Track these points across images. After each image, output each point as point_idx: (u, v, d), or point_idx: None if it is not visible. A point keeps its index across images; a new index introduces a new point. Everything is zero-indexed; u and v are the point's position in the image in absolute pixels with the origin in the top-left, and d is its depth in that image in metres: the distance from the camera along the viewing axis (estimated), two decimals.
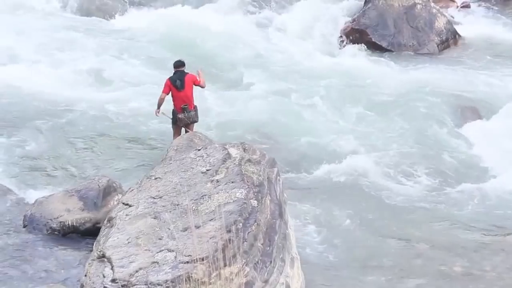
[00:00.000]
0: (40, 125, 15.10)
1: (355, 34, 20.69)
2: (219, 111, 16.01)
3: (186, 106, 13.70)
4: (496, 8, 23.51)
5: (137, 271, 8.02)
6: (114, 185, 11.60)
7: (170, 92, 13.73)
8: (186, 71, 13.79)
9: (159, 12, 22.06)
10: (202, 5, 22.39)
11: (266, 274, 8.41)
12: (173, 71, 13.82)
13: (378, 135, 15.60)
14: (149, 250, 8.33)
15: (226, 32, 20.40)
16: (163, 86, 13.77)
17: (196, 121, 13.94)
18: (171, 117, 13.93)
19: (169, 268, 7.94)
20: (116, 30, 20.61)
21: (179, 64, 13.83)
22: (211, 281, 7.81)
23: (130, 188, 9.99)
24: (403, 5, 21.06)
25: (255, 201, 8.84)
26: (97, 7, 22.29)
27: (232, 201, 8.82)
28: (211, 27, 20.55)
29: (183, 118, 13.78)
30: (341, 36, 20.92)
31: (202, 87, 14.02)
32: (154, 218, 8.91)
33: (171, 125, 14.10)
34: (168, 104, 13.93)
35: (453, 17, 22.41)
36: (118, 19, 21.81)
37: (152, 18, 21.45)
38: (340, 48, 20.54)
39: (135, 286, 7.84)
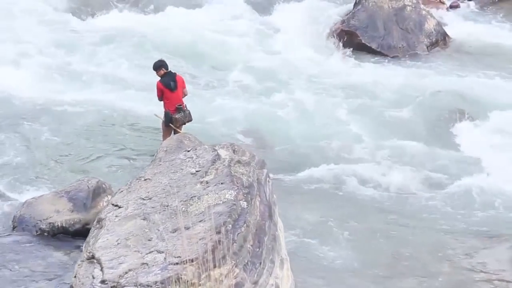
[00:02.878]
0: (29, 126, 15.05)
1: (345, 36, 20.67)
2: (208, 112, 15.99)
3: (180, 106, 13.69)
4: (486, 9, 23.55)
5: (126, 273, 8.01)
6: (104, 186, 11.58)
7: (162, 95, 13.67)
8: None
9: (147, 13, 21.98)
10: (193, 7, 22.31)
11: (255, 276, 8.41)
12: (161, 73, 13.62)
13: (368, 136, 15.63)
14: (139, 252, 8.31)
15: (216, 33, 20.37)
16: (156, 90, 13.68)
17: (191, 120, 13.91)
18: (163, 118, 13.89)
19: (159, 270, 7.93)
20: (105, 30, 20.49)
21: (167, 66, 13.76)
22: (200, 282, 7.81)
23: (119, 189, 9.96)
24: (392, 7, 21.05)
25: (245, 202, 8.83)
26: (83, 6, 22.13)
27: (221, 202, 8.81)
28: (201, 29, 20.50)
29: (180, 118, 13.73)
30: (330, 38, 20.91)
31: (186, 94, 13.95)
32: (144, 219, 8.89)
33: (160, 126, 14.11)
34: (155, 105, 13.92)
35: (442, 18, 22.45)
36: (106, 19, 21.64)
37: (140, 19, 21.37)
38: (329, 50, 20.52)
39: None
